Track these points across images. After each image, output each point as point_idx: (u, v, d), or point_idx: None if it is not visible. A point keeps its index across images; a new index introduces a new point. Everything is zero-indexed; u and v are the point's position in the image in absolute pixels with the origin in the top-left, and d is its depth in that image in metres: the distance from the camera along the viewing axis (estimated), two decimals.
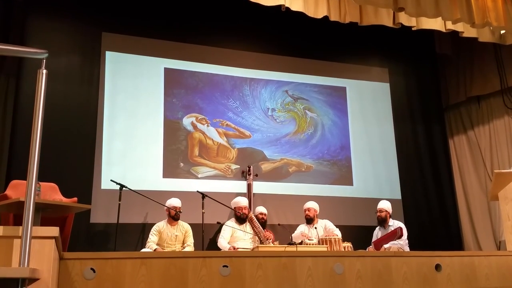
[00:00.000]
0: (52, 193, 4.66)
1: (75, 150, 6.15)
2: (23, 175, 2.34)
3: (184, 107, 6.96)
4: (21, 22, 6.36)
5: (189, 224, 5.92)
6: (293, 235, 5.99)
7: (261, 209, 6.44)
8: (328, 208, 6.85)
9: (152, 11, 6.94)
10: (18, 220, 3.90)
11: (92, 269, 2.83)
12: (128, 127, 6.57)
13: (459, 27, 6.06)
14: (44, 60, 2.19)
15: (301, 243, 5.54)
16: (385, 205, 6.07)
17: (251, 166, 6.85)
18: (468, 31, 6.18)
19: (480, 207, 7.82)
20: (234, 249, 5.55)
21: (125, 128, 6.55)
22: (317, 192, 7.15)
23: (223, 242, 5.85)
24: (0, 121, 6.33)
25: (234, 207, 6.10)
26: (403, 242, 5.71)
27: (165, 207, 5.82)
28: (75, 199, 4.65)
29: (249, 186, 6.71)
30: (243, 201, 6.13)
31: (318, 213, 6.23)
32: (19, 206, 2.84)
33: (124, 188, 5.77)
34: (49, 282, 2.14)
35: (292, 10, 5.54)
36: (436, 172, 8.07)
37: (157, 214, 6.01)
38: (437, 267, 3.73)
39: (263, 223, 6.20)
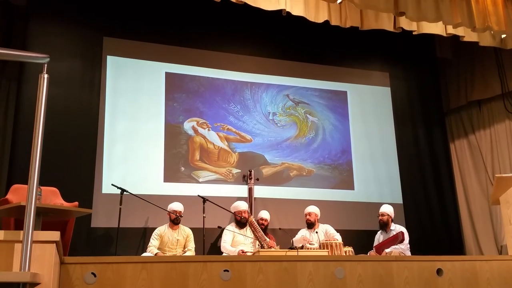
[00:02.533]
0: (53, 198, 4.67)
1: (76, 154, 6.15)
2: (24, 179, 2.33)
3: (185, 111, 6.96)
4: (23, 26, 6.38)
5: (190, 228, 5.92)
6: (294, 239, 5.98)
7: (263, 214, 6.41)
8: (329, 212, 6.84)
9: (153, 16, 6.96)
10: (19, 225, 3.90)
11: (93, 273, 2.83)
12: (129, 131, 6.57)
13: (459, 31, 6.07)
14: (46, 65, 2.20)
15: (302, 247, 5.53)
16: (387, 209, 6.06)
17: (252, 170, 6.85)
18: (468, 35, 6.19)
19: (482, 212, 7.81)
20: (243, 252, 5.53)
21: (126, 132, 6.55)
22: (318, 197, 7.14)
23: (227, 246, 5.84)
24: (2, 125, 6.35)
25: (234, 212, 6.10)
26: (404, 247, 5.70)
27: (166, 211, 5.83)
28: (76, 203, 4.65)
29: (250, 191, 6.70)
30: (242, 205, 6.13)
31: (319, 217, 6.22)
32: (20, 210, 2.84)
33: (125, 192, 5.77)
34: (50, 287, 2.13)
35: (293, 15, 5.56)
36: (437, 176, 8.06)
37: (158, 219, 6.00)
38: (439, 271, 3.72)
39: (264, 229, 6.18)
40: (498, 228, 7.46)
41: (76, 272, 2.80)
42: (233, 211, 6.11)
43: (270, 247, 5.72)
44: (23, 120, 5.90)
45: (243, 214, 6.04)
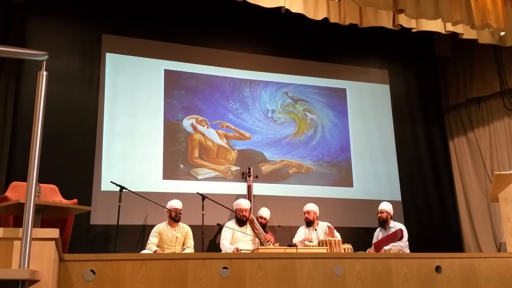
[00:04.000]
0: (52, 195, 4.67)
1: (75, 151, 6.15)
2: (23, 177, 2.34)
3: (184, 109, 6.96)
4: (22, 24, 6.37)
5: (189, 225, 5.92)
6: (294, 240, 5.98)
7: (263, 213, 6.38)
8: (328, 209, 6.84)
9: (152, 13, 6.95)
10: (18, 222, 3.90)
11: (92, 270, 2.83)
12: (128, 128, 6.56)
13: (459, 28, 6.07)
14: (44, 62, 2.19)
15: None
16: (386, 206, 6.07)
17: (251, 168, 6.85)
18: (468, 33, 6.19)
19: (480, 209, 7.82)
20: (237, 250, 5.54)
21: (125, 129, 6.55)
22: (317, 194, 7.14)
23: (226, 243, 5.84)
24: (0, 122, 6.33)
25: (236, 209, 6.10)
26: (403, 244, 5.71)
27: (166, 209, 5.83)
28: (75, 200, 4.65)
29: (249, 188, 6.70)
30: (245, 204, 6.12)
31: (318, 215, 6.23)
32: (19, 207, 2.84)
33: (124, 190, 5.77)
34: (49, 284, 2.13)
35: (292, 12, 5.55)
36: (436, 173, 8.07)
37: (157, 216, 6.00)
38: (437, 268, 3.73)
39: (263, 227, 6.18)
40: (497, 225, 7.47)
41: (75, 270, 2.80)
42: (234, 209, 6.11)
43: (267, 240, 5.72)
44: (22, 118, 5.90)
45: (244, 212, 6.03)
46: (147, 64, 6.90)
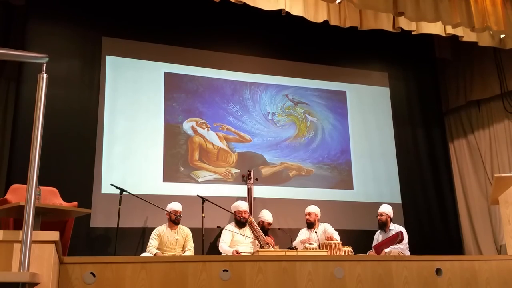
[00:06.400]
0: (52, 198, 4.67)
1: (75, 154, 6.15)
2: (23, 179, 2.33)
3: (184, 111, 6.96)
4: (22, 26, 6.38)
5: (189, 228, 5.92)
6: (294, 242, 5.97)
7: (267, 217, 6.33)
8: (328, 212, 6.83)
9: (153, 16, 6.96)
10: (18, 225, 3.90)
11: (92, 273, 2.83)
12: (128, 131, 6.57)
13: (459, 31, 6.07)
14: (45, 65, 2.19)
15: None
16: (385, 209, 6.06)
17: (252, 170, 6.85)
18: (468, 35, 6.19)
19: (481, 211, 7.81)
20: (237, 253, 5.54)
21: (125, 132, 6.55)
22: (318, 196, 7.14)
23: (225, 246, 5.84)
24: (1, 125, 6.35)
25: (234, 211, 6.10)
26: (403, 246, 5.70)
27: (166, 211, 5.82)
28: (75, 203, 4.65)
29: (250, 190, 6.70)
30: (242, 205, 6.13)
31: (319, 217, 6.22)
32: (19, 210, 2.84)
33: (124, 192, 5.76)
34: (49, 287, 2.13)
35: (292, 15, 5.56)
36: (436, 176, 8.07)
37: (157, 218, 6.00)
38: (438, 271, 3.73)
39: (266, 231, 6.17)
40: (497, 227, 7.46)
41: (75, 272, 2.80)
42: (233, 211, 6.11)
43: (267, 243, 5.72)
44: (22, 120, 5.90)
45: (243, 214, 6.03)
46: (147, 67, 6.91)
